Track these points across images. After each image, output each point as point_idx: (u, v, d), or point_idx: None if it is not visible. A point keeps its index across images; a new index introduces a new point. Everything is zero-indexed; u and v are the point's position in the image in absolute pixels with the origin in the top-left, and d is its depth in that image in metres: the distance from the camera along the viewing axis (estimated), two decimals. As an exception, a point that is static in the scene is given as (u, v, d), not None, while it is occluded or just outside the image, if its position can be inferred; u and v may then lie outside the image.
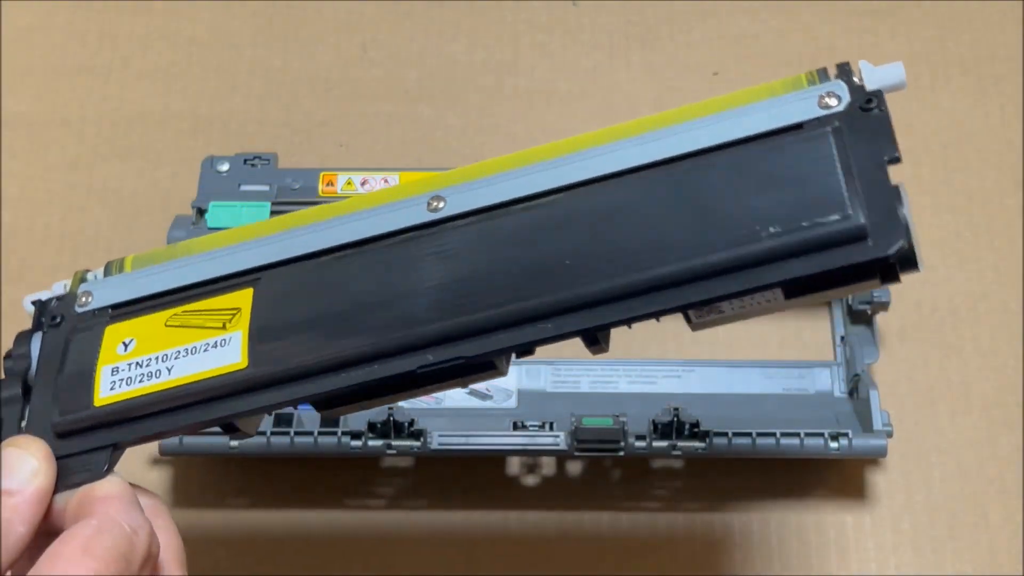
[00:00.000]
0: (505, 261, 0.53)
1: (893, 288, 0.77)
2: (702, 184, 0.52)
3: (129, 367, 0.55)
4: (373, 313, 0.53)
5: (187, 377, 0.54)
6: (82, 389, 0.55)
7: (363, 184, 0.78)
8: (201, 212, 0.77)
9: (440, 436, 0.73)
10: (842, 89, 0.53)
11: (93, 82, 0.94)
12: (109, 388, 0.55)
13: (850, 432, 0.73)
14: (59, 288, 0.60)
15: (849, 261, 0.49)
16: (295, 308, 0.55)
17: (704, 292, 0.50)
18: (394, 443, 0.73)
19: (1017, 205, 0.88)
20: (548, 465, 0.79)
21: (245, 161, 0.80)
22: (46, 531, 0.51)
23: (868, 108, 0.52)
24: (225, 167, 0.79)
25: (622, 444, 0.73)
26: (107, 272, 0.59)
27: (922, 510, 0.78)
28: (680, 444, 0.73)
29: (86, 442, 0.54)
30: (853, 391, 0.78)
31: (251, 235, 0.58)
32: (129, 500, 0.51)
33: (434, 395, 0.77)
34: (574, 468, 0.79)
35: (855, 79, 0.53)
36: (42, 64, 0.95)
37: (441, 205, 0.55)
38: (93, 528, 0.49)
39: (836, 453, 0.73)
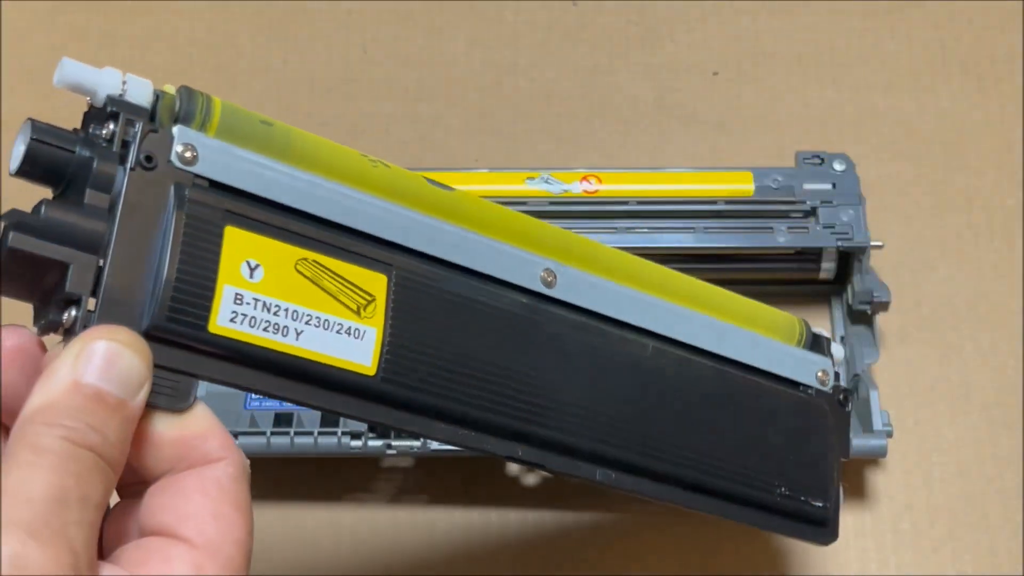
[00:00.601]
0: (603, 395, 0.57)
1: (893, 288, 0.77)
2: (749, 413, 0.62)
3: (255, 305, 0.47)
4: (494, 380, 0.53)
5: (313, 353, 0.49)
6: (196, 300, 0.46)
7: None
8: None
9: (440, 436, 0.74)
10: (830, 369, 0.65)
11: (93, 82, 0.94)
12: (229, 319, 0.46)
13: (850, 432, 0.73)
14: (114, 82, 0.47)
15: (809, 537, 0.64)
16: (429, 332, 0.52)
17: (719, 510, 0.61)
18: (394, 443, 0.73)
19: (1017, 205, 0.88)
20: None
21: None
22: None
23: (845, 404, 0.65)
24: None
25: None
26: (189, 110, 0.48)
27: (922, 510, 0.78)
28: None
29: (180, 362, 0.46)
30: (853, 391, 0.78)
31: (379, 184, 0.53)
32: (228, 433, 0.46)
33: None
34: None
35: (833, 357, 0.66)
36: (42, 64, 0.95)
37: (552, 280, 0.56)
38: (231, 477, 0.45)
39: None
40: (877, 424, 0.73)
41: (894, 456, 0.79)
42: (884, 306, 0.77)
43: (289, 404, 0.60)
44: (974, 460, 0.79)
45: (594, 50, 0.95)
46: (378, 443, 0.73)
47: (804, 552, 0.76)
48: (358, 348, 0.50)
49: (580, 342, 0.56)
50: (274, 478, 0.79)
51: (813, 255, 0.77)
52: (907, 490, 0.78)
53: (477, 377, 0.53)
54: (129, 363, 0.42)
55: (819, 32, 0.95)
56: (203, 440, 0.45)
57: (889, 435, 0.73)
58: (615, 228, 0.76)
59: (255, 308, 0.47)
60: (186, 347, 0.46)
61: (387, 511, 0.78)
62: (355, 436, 0.73)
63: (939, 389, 0.82)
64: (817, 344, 0.65)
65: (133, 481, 0.46)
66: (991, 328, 0.84)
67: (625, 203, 0.77)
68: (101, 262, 0.44)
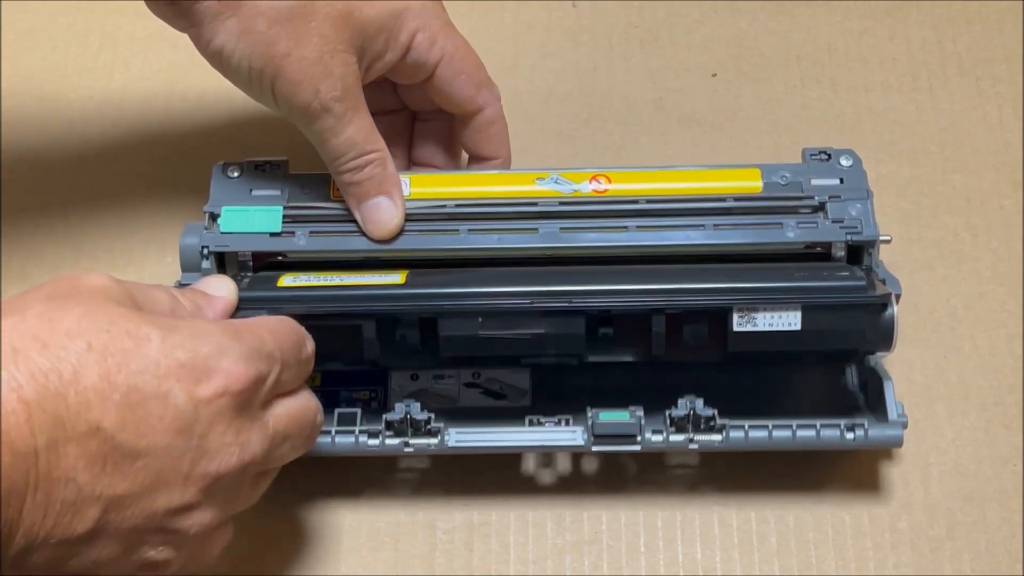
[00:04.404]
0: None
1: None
2: (765, 271, 0.76)
3: (307, 277, 0.75)
4: (504, 277, 0.75)
5: (356, 283, 0.74)
6: (267, 284, 0.75)
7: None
8: (214, 217, 0.77)
9: (457, 434, 0.73)
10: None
11: (93, 83, 0.94)
12: (289, 282, 0.75)
13: (866, 423, 0.73)
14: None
15: (850, 296, 0.73)
16: (442, 272, 0.76)
17: (753, 295, 0.73)
18: (411, 441, 0.73)
19: (1015, 206, 0.88)
20: (563, 460, 0.79)
21: (256, 167, 0.80)
22: None
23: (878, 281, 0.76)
24: (236, 173, 0.79)
25: (639, 438, 0.74)
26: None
27: (920, 510, 0.78)
28: (697, 437, 0.74)
29: (262, 308, 0.71)
30: (864, 384, 0.78)
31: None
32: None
33: (449, 395, 0.78)
34: (589, 463, 0.79)
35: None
36: (42, 64, 0.95)
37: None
38: (284, 321, 0.68)
39: (852, 444, 0.73)
40: (892, 415, 0.73)
41: (893, 456, 0.79)
42: (895, 298, 0.77)
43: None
44: (972, 460, 0.79)
45: (594, 50, 0.96)
46: (395, 442, 0.73)
47: (803, 551, 0.76)
48: (389, 278, 0.74)
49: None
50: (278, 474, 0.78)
51: (823, 249, 0.78)
52: (905, 490, 0.79)
53: (489, 278, 0.75)
54: (218, 281, 0.72)
55: (818, 33, 0.96)
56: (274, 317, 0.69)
57: (904, 425, 0.73)
58: (625, 227, 0.77)
59: (307, 277, 0.75)
60: (265, 300, 0.73)
61: (398, 508, 0.78)
62: (372, 435, 0.73)
63: (937, 389, 0.82)
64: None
65: None
66: (989, 328, 0.84)
67: (635, 202, 0.77)
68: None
